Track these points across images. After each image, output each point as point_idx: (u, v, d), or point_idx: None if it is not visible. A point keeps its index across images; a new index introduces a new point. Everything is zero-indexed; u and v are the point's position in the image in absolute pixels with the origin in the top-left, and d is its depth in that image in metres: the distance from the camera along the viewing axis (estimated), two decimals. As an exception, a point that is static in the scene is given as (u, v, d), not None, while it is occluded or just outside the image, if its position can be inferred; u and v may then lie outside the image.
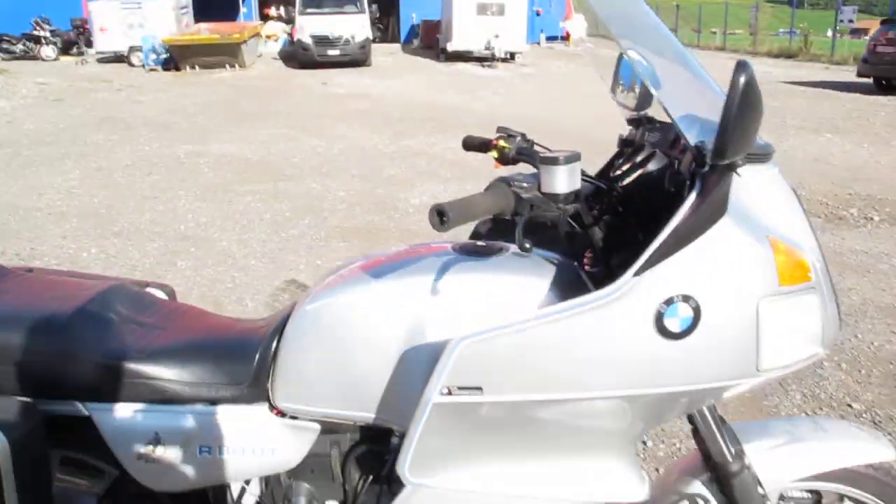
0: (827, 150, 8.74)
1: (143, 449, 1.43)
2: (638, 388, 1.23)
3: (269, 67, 19.01)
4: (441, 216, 1.13)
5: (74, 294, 1.55)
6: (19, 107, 11.93)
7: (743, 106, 1.07)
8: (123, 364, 1.43)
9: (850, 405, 2.97)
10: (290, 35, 22.81)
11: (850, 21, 22.91)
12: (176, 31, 18.42)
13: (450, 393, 1.23)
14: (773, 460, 1.49)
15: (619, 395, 1.24)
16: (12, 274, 1.66)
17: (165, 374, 1.44)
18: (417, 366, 1.28)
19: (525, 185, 1.25)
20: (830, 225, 5.63)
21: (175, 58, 17.40)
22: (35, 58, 19.72)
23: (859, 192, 6.60)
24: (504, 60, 20.44)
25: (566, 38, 27.04)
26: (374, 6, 21.61)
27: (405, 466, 1.30)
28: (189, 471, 1.45)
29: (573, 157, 1.23)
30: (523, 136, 1.45)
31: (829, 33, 24.14)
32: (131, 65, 18.12)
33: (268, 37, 23.47)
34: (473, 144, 1.61)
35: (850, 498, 1.54)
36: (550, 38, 26.62)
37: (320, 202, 6.23)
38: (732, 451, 1.45)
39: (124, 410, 1.44)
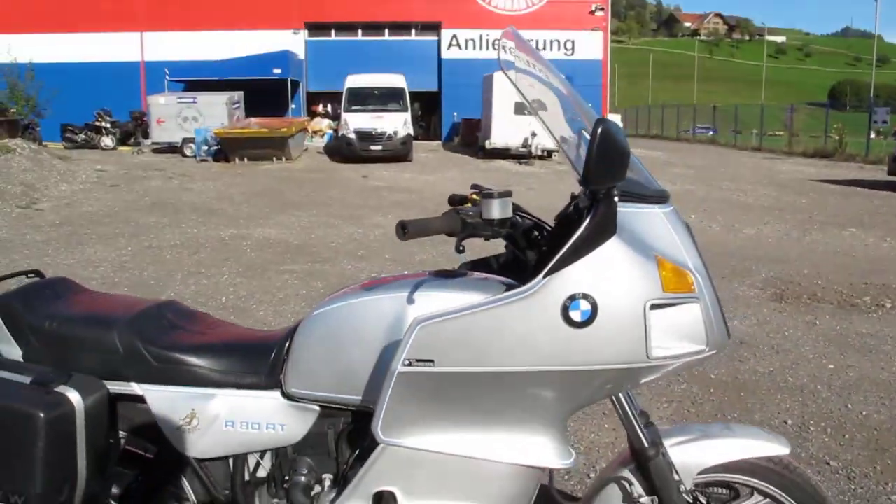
0: (849, 244, 8.93)
1: (181, 422, 1.82)
2: (552, 365, 1.57)
3: (314, 160, 19.95)
4: (403, 229, 1.53)
5: (136, 304, 2.01)
6: (79, 191, 12.81)
7: (601, 148, 1.44)
8: (171, 356, 1.85)
9: (828, 463, 3.14)
10: (336, 130, 23.99)
11: (884, 122, 23.29)
12: (228, 124, 19.58)
13: (410, 364, 1.58)
14: (685, 450, 1.78)
15: (538, 370, 1.57)
16: (86, 290, 2.12)
17: (202, 364, 1.85)
18: (386, 357, 1.64)
19: (470, 213, 1.65)
20: (841, 311, 5.78)
21: (225, 149, 18.43)
22: (95, 146, 21.15)
23: (875, 283, 6.75)
24: (541, 158, 21.09)
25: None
26: (417, 105, 22.71)
27: (378, 427, 1.64)
28: (216, 441, 1.83)
29: (506, 194, 1.64)
30: (495, 191, 1.78)
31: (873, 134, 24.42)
32: (184, 155, 19.25)
33: (314, 132, 24.73)
34: (455, 200, 1.98)
35: (758, 491, 1.80)
36: (586, 137, 27.36)
37: (353, 280, 6.62)
38: (648, 437, 1.75)
39: (169, 392, 1.85)
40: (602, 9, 28.04)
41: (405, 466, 1.69)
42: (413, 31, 28.77)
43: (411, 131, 21.07)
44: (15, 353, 1.92)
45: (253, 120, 20.37)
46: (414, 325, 1.58)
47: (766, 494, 1.81)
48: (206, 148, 18.73)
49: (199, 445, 1.84)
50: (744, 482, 1.82)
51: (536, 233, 1.76)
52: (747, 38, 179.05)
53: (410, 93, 22.31)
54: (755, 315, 5.60)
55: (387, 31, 28.48)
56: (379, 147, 19.64)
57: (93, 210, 10.77)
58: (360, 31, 28.42)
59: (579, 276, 1.54)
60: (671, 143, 33.98)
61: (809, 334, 5.10)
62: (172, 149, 19.79)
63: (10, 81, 18.20)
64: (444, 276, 1.74)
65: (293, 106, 26.16)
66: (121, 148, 21.55)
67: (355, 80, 21.67)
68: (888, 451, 3.29)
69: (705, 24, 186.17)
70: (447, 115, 28.70)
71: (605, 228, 1.53)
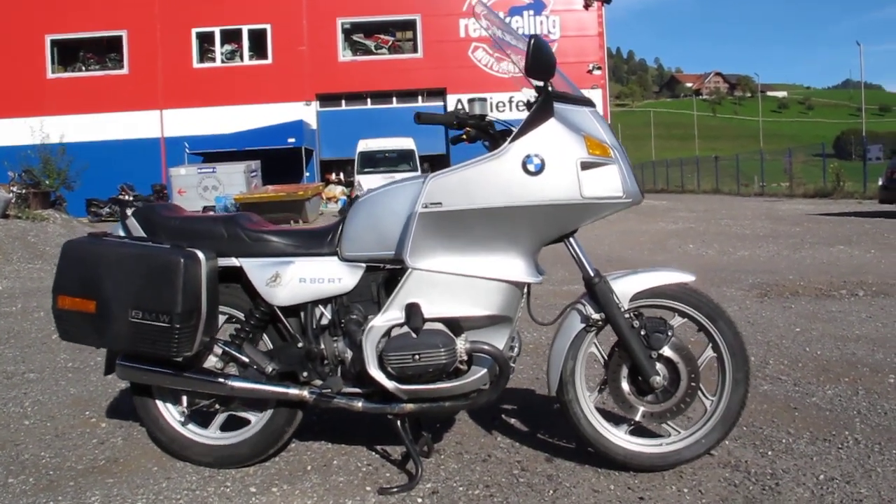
0: (836, 257, 9.45)
1: (268, 279, 2.58)
2: (518, 202, 2.33)
3: (330, 221, 20.73)
4: (418, 117, 2.40)
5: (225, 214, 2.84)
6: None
7: (535, 54, 2.23)
8: (260, 236, 2.62)
9: (780, 378, 3.71)
10: (349, 196, 24.91)
11: (878, 158, 24.01)
12: (246, 191, 20.55)
13: (426, 207, 2.34)
14: (620, 281, 2.54)
15: (509, 205, 2.34)
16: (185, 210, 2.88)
17: (283, 241, 2.62)
18: (410, 216, 2.40)
19: (461, 114, 2.46)
20: (817, 299, 6.28)
21: (245, 214, 19.29)
22: (118, 219, 22.02)
23: (852, 280, 7.25)
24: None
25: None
26: (427, 164, 23.64)
27: (406, 255, 2.38)
28: (292, 291, 2.58)
29: (483, 99, 2.47)
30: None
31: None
32: (206, 223, 20.09)
33: (328, 198, 25.70)
34: (455, 139, 2.75)
35: (678, 312, 2.57)
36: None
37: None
38: (592, 269, 2.50)
39: (259, 261, 2.62)
40: (599, 67, 29.25)
41: (425, 284, 2.43)
42: (420, 98, 30.07)
43: (421, 190, 21.92)
44: None
45: (270, 187, 21.38)
46: (428, 179, 2.36)
47: (682, 314, 2.55)
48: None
49: (280, 296, 2.58)
50: (665, 304, 2.54)
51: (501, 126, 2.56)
52: (749, 94, 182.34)
53: (420, 156, 23.35)
54: (738, 305, 6.09)
55: (394, 99, 29.80)
56: (391, 206, 20.48)
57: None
58: (368, 101, 29.76)
59: (531, 141, 2.39)
60: (675, 194, 34.77)
61: (784, 314, 5.62)
62: (195, 217, 20.65)
63: (43, 157, 19.33)
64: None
65: (307, 173, 27.29)
66: (145, 220, 22.44)
67: (367, 144, 22.78)
68: (831, 370, 3.85)
69: (706, 83, 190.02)
70: (456, 176, 29.60)
71: (546, 109, 2.36)
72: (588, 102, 2.51)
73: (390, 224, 2.49)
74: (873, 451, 2.77)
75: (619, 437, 2.60)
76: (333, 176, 29.31)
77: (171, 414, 2.81)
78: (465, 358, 2.46)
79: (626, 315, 2.52)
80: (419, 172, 22.25)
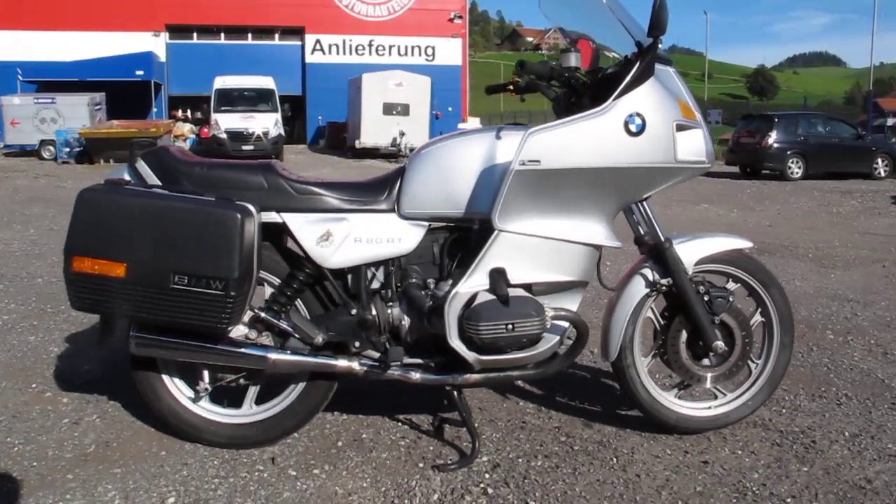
0: (705, 215, 10.13)
1: (319, 238, 2.25)
2: (615, 163, 2.21)
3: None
4: (521, 65, 2.30)
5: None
6: (-62, 190, 11.93)
7: (660, 9, 2.10)
8: (308, 188, 2.29)
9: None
10: (199, 135, 23.48)
11: (717, 122, 26.00)
12: (90, 125, 18.74)
13: (523, 164, 2.13)
14: (686, 247, 2.48)
15: (606, 166, 2.21)
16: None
17: (334, 194, 2.29)
18: (492, 174, 2.22)
19: (557, 65, 2.32)
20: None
21: (90, 151, 17.67)
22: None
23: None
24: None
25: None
26: (287, 106, 22.74)
27: (496, 216, 2.17)
28: (346, 252, 2.28)
29: (577, 50, 2.37)
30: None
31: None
32: (42, 158, 18.25)
33: (176, 136, 24.01)
34: (494, 88, 2.56)
35: (733, 278, 2.57)
36: (449, 140, 28.24)
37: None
38: (664, 234, 2.44)
39: (308, 217, 2.27)
40: (461, 17, 29.16)
41: (512, 248, 2.23)
42: (276, 36, 28.64)
43: (282, 132, 21.07)
44: None
45: (116, 122, 19.59)
46: (526, 134, 2.13)
47: (737, 279, 2.56)
48: (67, 150, 17.84)
49: (334, 258, 2.26)
50: (722, 270, 2.53)
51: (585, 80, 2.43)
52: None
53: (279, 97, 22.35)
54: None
55: (250, 36, 28.19)
56: (250, 147, 19.65)
57: (-37, 205, 10.13)
58: (222, 35, 27.94)
59: (634, 100, 2.24)
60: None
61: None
62: (26, 152, 18.64)
63: None
64: (515, 126, 2.30)
65: (155, 109, 25.30)
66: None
67: (224, 82, 21.46)
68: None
69: (546, 39, 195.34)
70: (312, 119, 28.74)
71: (650, 68, 2.22)
72: (670, 62, 2.38)
73: (461, 180, 2.26)
74: (872, 407, 2.94)
75: (672, 402, 2.58)
76: (180, 113, 27.47)
77: (180, 391, 2.44)
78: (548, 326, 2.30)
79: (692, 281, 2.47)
80: (279, 113, 21.54)
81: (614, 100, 2.21)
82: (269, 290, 2.41)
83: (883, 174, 17.07)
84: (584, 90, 2.38)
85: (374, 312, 2.35)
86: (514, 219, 2.22)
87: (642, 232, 2.53)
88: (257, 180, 2.27)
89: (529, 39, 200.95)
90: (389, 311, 2.36)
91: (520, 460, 2.42)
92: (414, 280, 2.33)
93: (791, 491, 2.25)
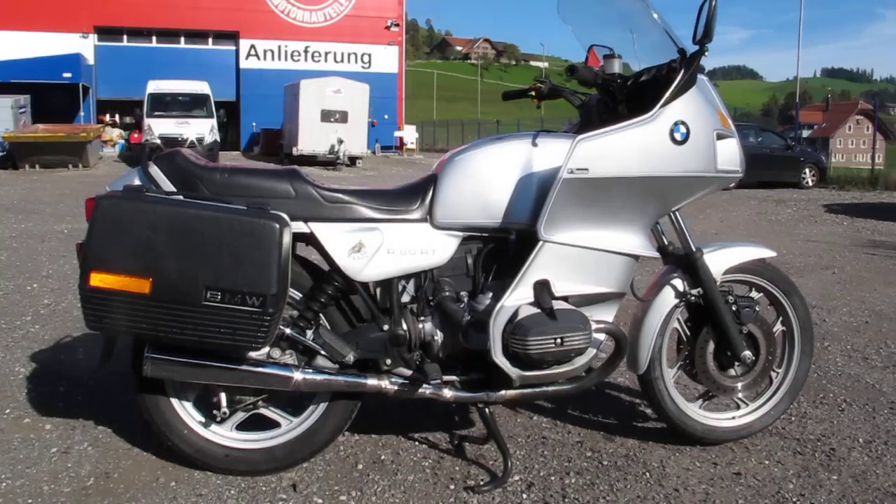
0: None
1: (349, 250, 2.12)
2: (662, 171, 2.16)
3: (114, 168, 18.70)
4: (571, 70, 2.20)
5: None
6: None
7: (711, 19, 2.06)
8: (339, 196, 2.17)
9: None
10: (128, 140, 22.71)
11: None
12: (14, 129, 17.81)
13: (571, 172, 2.04)
14: (713, 256, 2.45)
15: (653, 174, 2.15)
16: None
17: (366, 203, 2.17)
18: (531, 182, 2.15)
19: (596, 71, 2.27)
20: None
21: (15, 156, 16.79)
22: None
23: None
24: (347, 165, 21.47)
25: (399, 147, 28.80)
26: (222, 111, 22.18)
27: (541, 226, 2.09)
28: (379, 264, 2.16)
29: (619, 56, 2.35)
30: (551, 81, 2.44)
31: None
32: (-43, 163, 17.22)
33: (104, 141, 23.13)
34: (513, 94, 2.49)
35: (756, 287, 2.55)
36: (385, 148, 28.20)
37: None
38: (695, 244, 2.40)
39: (338, 227, 2.15)
40: (397, 24, 29.07)
41: (557, 259, 2.15)
42: (210, 40, 27.94)
43: (217, 138, 20.54)
44: None
45: (41, 126, 18.66)
46: (575, 142, 2.05)
47: (760, 288, 2.55)
48: (-12, 155, 16.91)
49: (366, 271, 2.14)
50: (747, 279, 2.52)
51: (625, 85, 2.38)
52: (514, 62, 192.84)
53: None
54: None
55: (182, 39, 27.41)
56: (186, 153, 18.98)
57: None
58: (154, 38, 27.08)
59: (679, 108, 2.20)
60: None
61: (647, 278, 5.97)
62: (-58, 157, 17.56)
63: None
64: (547, 133, 2.25)
65: (82, 113, 24.25)
66: None
67: (158, 86, 20.78)
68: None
69: (475, 48, 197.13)
70: (245, 125, 28.14)
71: (694, 77, 2.18)
72: (703, 70, 2.34)
73: (498, 188, 2.17)
74: (874, 412, 2.98)
75: (697, 413, 2.55)
76: (108, 117, 26.51)
77: (190, 416, 2.26)
78: None
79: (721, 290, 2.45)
80: (215, 119, 20.97)
81: (661, 108, 2.16)
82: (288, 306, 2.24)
83: (811, 183, 17.80)
84: (621, 97, 2.32)
85: (405, 327, 2.22)
86: (560, 229, 2.14)
87: (666, 241, 2.50)
88: (284, 187, 2.13)
89: (459, 48, 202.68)
90: (421, 325, 2.25)
91: (552, 478, 2.34)
92: (447, 293, 2.23)
93: (829, 500, 2.24)
